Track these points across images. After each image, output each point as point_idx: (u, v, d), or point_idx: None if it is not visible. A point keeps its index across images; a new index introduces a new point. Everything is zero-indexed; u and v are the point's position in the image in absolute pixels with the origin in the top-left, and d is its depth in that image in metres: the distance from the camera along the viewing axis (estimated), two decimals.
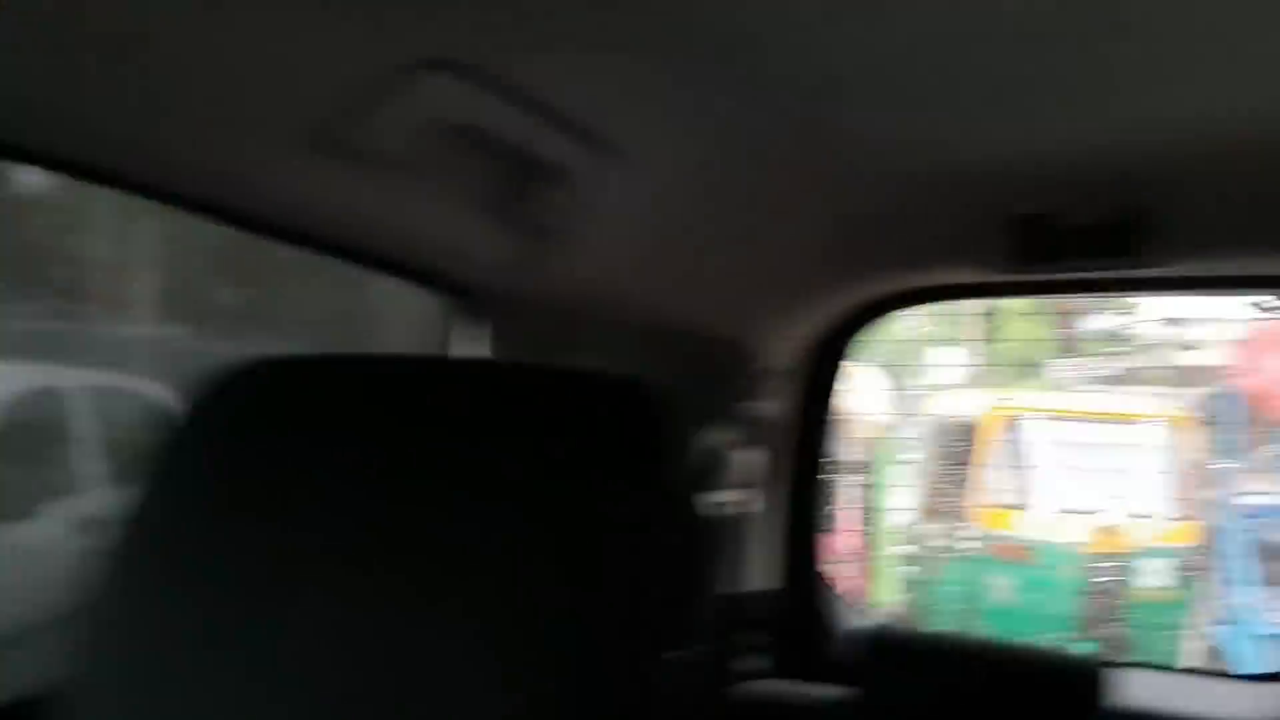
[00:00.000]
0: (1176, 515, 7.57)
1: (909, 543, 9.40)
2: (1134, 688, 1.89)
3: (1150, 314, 11.74)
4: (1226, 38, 1.08)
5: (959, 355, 12.55)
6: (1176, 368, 11.23)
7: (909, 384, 12.07)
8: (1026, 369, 12.37)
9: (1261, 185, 1.51)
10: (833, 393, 2.23)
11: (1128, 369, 11.76)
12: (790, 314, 2.01)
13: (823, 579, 2.25)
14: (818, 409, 2.20)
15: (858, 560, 7.37)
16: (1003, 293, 2.19)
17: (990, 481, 7.99)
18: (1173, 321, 11.48)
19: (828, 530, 2.29)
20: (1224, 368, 8.52)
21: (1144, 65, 1.15)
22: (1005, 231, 1.66)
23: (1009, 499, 7.94)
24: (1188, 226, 1.64)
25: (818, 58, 1.15)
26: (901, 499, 9.16)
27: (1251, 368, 7.63)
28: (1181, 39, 1.08)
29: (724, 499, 1.82)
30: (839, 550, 7.18)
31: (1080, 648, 7.46)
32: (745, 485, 1.90)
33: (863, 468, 7.47)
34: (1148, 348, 12.05)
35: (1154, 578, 7.41)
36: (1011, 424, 8.04)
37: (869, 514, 7.66)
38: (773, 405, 2.04)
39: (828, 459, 2.26)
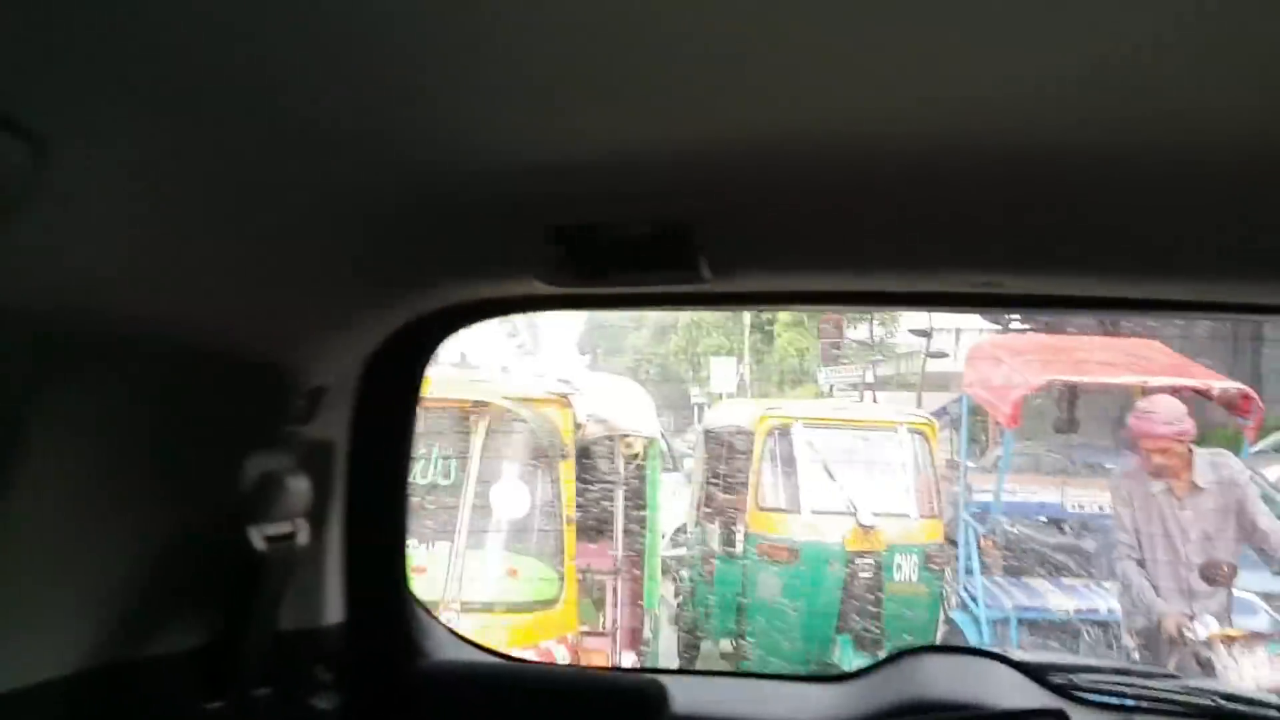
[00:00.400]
0: (924, 514, 8.13)
1: (681, 548, 9.70)
2: (703, 697, 1.98)
3: (905, 324, 12.39)
4: (776, 47, 1.00)
5: (733, 365, 12.98)
6: (926, 375, 11.97)
7: (685, 394, 12.45)
8: (796, 377, 12.92)
9: (811, 199, 1.43)
10: (400, 412, 2.10)
11: (882, 376, 12.47)
12: (335, 329, 1.80)
13: (398, 608, 2.14)
14: (382, 429, 2.05)
15: (628, 568, 7.54)
16: (567, 306, 2.09)
17: (759, 486, 8.34)
18: (920, 333, 12.11)
19: (400, 555, 2.21)
20: (963, 376, 9.17)
21: (685, 69, 1.04)
22: (553, 243, 1.54)
23: (776, 502, 8.31)
24: (739, 241, 1.57)
25: (318, 47, 0.96)
26: (674, 505, 9.43)
27: (980, 378, 8.25)
28: (726, 46, 1.00)
29: (278, 530, 1.67)
30: (610, 559, 7.35)
31: (841, 641, 7.90)
32: (301, 514, 1.74)
33: (634, 477, 7.63)
34: (902, 356, 12.77)
35: (905, 572, 7.92)
36: (779, 431, 8.42)
37: (640, 522, 7.84)
38: (328, 428, 1.89)
39: (398, 481, 2.15)
